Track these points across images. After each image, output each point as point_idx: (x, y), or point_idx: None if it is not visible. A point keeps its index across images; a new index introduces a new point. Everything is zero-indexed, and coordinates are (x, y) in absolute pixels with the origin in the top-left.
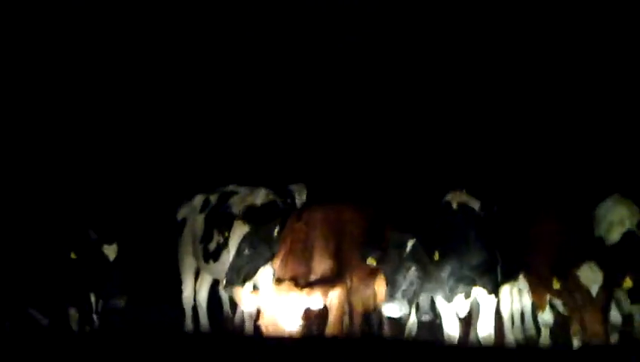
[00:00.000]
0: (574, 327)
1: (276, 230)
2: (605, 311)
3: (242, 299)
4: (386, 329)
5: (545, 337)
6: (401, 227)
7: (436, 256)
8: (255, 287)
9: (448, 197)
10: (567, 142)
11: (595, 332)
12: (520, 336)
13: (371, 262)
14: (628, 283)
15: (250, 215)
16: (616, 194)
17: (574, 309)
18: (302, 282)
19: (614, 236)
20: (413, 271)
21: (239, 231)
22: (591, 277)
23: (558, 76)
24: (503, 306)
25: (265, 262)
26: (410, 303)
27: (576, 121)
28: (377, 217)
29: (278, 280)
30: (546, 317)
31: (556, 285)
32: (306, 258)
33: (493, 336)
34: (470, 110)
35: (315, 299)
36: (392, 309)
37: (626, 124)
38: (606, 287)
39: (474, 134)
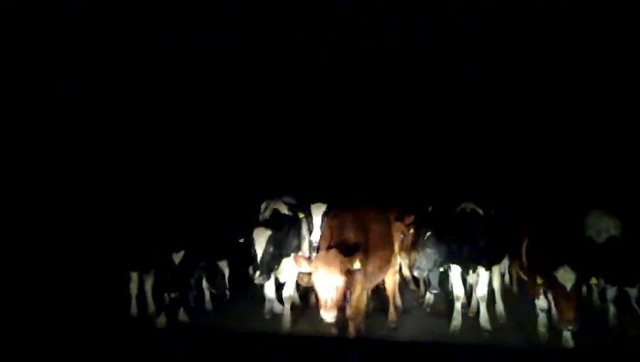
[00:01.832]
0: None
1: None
2: (576, 303)
3: (301, 264)
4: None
5: (542, 321)
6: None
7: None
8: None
9: (463, 205)
10: (557, 157)
11: (568, 320)
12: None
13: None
14: (593, 280)
15: (269, 223)
16: (599, 209)
17: (555, 300)
18: (344, 250)
19: (602, 239)
20: (429, 251)
21: (263, 235)
22: (565, 277)
23: (547, 89)
24: (495, 279)
25: (283, 257)
26: (430, 270)
27: (565, 137)
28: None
29: (328, 248)
30: (541, 303)
31: (539, 281)
32: (343, 235)
33: (486, 296)
34: (468, 127)
35: (353, 263)
36: (418, 271)
37: (610, 138)
38: (577, 285)
39: (477, 149)
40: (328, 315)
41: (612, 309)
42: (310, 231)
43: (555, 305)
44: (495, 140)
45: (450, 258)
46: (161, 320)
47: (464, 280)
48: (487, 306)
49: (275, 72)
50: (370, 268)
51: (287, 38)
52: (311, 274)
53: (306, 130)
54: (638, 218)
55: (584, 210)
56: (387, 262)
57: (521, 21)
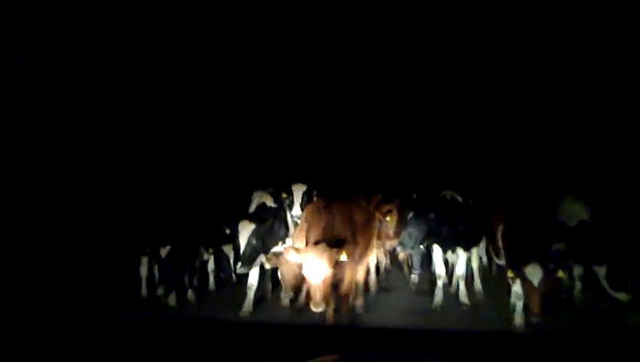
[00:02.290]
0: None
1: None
2: (543, 297)
3: (290, 256)
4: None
5: (518, 311)
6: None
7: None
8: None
9: (444, 192)
10: (533, 148)
11: (535, 313)
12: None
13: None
14: (561, 273)
15: (253, 216)
16: (570, 196)
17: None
18: (332, 243)
19: (573, 223)
20: (411, 229)
21: (247, 228)
22: (533, 273)
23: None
24: (473, 260)
25: (269, 247)
26: (412, 247)
27: (540, 130)
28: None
29: (316, 243)
30: (517, 289)
31: (510, 274)
32: (331, 229)
33: (465, 275)
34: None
35: (342, 256)
36: (401, 248)
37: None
38: (544, 281)
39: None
40: (317, 305)
41: (578, 286)
42: (290, 208)
43: (526, 296)
44: (476, 134)
45: (431, 237)
46: (171, 301)
47: (445, 262)
48: (467, 284)
49: (261, 65)
50: (356, 257)
51: (263, 28)
52: (279, 256)
53: (297, 121)
54: (606, 204)
55: (558, 198)
56: (370, 249)
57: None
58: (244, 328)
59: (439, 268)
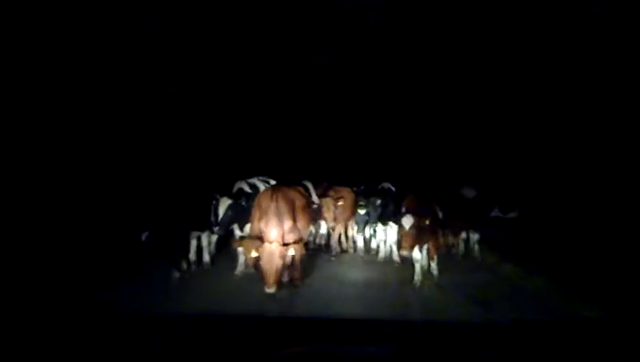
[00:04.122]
0: None
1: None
2: (413, 236)
3: (248, 248)
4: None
5: (417, 272)
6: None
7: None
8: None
9: (383, 184)
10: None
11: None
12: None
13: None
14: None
15: (231, 195)
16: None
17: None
18: (282, 241)
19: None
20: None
21: (225, 203)
22: (406, 221)
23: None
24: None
25: (244, 220)
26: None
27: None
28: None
29: (269, 241)
30: (415, 255)
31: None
32: (281, 225)
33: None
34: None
35: (290, 251)
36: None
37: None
38: (413, 226)
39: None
40: (271, 288)
41: (476, 248)
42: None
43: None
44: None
45: (375, 218)
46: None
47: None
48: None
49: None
50: (298, 235)
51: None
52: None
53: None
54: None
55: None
56: (308, 228)
57: None
58: (205, 320)
59: (380, 236)
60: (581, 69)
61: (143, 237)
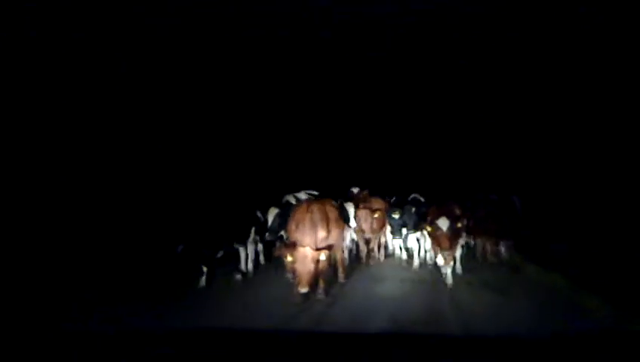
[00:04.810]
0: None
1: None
2: (449, 237)
3: (284, 254)
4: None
5: (448, 276)
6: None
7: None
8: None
9: (413, 195)
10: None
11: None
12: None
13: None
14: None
15: (278, 205)
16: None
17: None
18: (314, 246)
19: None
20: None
21: (273, 212)
22: (443, 223)
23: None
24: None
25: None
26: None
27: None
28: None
29: (303, 246)
30: (439, 261)
31: (428, 228)
32: (315, 232)
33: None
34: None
35: (322, 255)
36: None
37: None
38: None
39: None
40: (304, 288)
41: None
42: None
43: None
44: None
45: (412, 225)
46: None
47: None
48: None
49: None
50: (331, 243)
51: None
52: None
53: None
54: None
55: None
56: (341, 238)
57: None
58: (232, 335)
59: (411, 243)
60: (597, 82)
61: (179, 250)
